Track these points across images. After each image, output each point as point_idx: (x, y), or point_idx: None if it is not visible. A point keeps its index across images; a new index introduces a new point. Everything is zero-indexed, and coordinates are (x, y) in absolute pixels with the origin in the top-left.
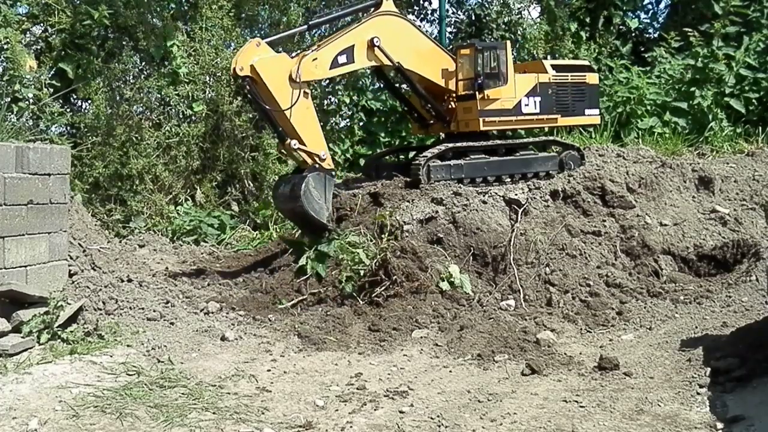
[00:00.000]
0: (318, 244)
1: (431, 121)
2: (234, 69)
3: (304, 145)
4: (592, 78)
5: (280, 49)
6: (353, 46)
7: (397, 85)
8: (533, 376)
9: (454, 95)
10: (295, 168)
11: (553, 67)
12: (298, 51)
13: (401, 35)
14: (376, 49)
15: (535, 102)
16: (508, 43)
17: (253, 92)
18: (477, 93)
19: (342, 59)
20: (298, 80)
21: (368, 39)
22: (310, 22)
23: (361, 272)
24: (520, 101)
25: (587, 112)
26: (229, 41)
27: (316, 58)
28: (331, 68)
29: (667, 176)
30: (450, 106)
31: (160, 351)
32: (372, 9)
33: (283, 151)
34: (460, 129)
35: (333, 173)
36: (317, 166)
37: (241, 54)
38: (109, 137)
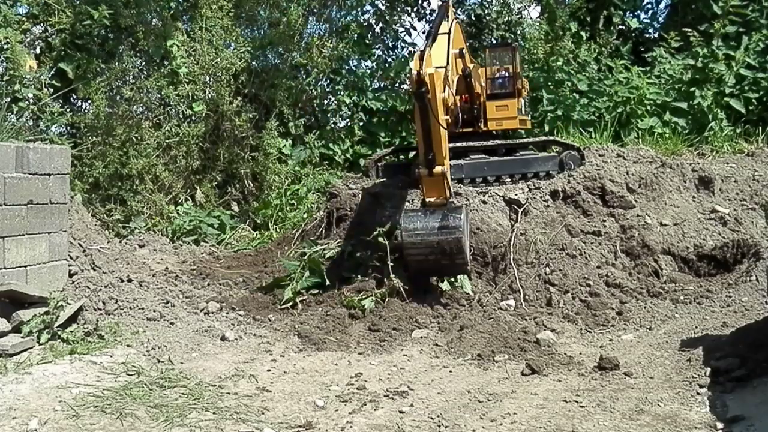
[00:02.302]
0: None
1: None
2: (419, 73)
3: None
4: (527, 84)
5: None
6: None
7: None
8: (533, 376)
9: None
10: (421, 202)
11: None
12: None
13: (464, 43)
14: (460, 59)
15: (524, 103)
16: (518, 44)
17: (428, 103)
18: (516, 91)
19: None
20: (450, 104)
21: (457, 51)
22: (432, 36)
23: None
24: (522, 102)
25: (528, 116)
26: (229, 41)
27: (451, 79)
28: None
29: (667, 176)
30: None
31: (160, 351)
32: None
33: (425, 178)
34: (490, 128)
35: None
36: (451, 201)
37: (425, 60)
38: (109, 137)
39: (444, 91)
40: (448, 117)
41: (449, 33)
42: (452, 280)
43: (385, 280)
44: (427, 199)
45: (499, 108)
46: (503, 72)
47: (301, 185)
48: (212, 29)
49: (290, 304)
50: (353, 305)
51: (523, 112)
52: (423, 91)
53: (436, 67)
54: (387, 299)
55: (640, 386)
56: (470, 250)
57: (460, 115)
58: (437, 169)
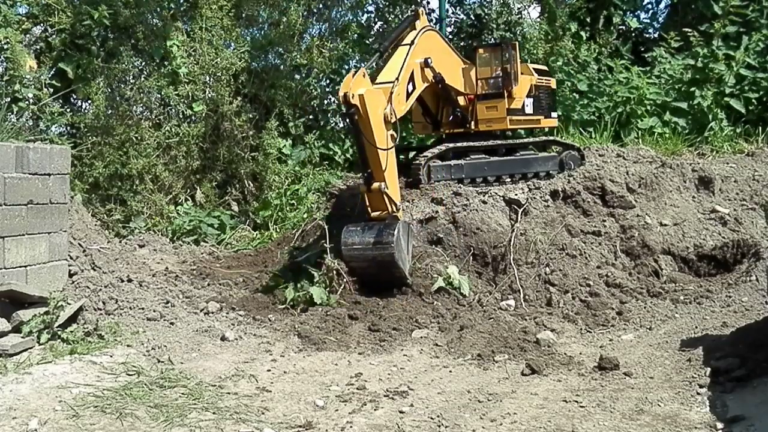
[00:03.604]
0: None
1: (452, 121)
2: (345, 95)
3: (388, 189)
4: (553, 82)
5: None
6: (413, 71)
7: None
8: (533, 376)
9: (469, 96)
10: (368, 217)
11: (535, 70)
12: (381, 84)
13: (440, 49)
14: (427, 69)
15: (530, 103)
16: (517, 43)
17: (358, 124)
18: (506, 92)
19: (410, 88)
20: (392, 120)
21: (422, 61)
22: (382, 49)
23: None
24: (524, 102)
25: (552, 114)
26: (229, 41)
27: (399, 93)
28: (407, 100)
29: (667, 176)
30: (459, 108)
31: (160, 351)
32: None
33: (365, 194)
34: (480, 128)
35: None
36: (394, 215)
37: (353, 81)
38: (109, 137)
39: (386, 108)
40: (392, 132)
41: (411, 45)
42: (450, 281)
43: (326, 261)
44: (372, 214)
45: (489, 108)
46: (496, 72)
47: (301, 185)
48: (212, 29)
49: (290, 304)
50: (301, 300)
51: (527, 112)
52: (351, 113)
53: (381, 83)
54: (342, 286)
55: (640, 386)
56: (471, 250)
57: (444, 117)
58: (375, 185)
